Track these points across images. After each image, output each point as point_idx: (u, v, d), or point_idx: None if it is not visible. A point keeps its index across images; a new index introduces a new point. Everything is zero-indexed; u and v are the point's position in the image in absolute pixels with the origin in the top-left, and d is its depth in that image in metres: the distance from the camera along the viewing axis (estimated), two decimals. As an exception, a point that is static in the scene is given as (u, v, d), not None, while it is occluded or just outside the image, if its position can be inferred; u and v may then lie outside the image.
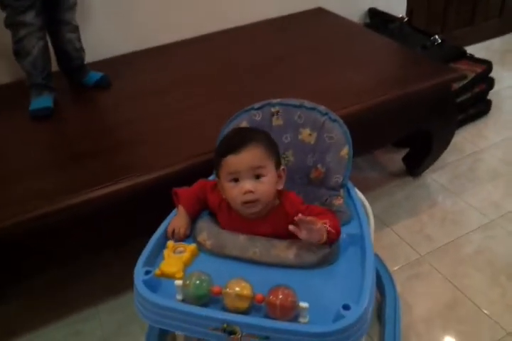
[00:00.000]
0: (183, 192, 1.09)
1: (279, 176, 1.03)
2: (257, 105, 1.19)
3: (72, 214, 1.19)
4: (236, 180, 0.97)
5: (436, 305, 1.41)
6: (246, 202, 0.97)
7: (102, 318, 1.45)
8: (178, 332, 1.01)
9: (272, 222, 1.01)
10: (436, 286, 1.47)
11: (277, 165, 1.02)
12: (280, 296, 0.82)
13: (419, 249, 1.60)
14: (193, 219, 1.07)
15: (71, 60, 1.69)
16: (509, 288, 1.45)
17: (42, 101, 1.57)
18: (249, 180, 0.96)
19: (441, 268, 1.53)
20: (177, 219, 1.04)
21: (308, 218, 0.90)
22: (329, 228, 0.92)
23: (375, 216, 1.20)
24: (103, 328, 1.42)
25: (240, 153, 0.96)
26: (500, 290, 1.44)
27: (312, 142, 1.17)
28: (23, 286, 1.47)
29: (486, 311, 1.38)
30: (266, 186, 0.98)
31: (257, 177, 0.97)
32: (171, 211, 1.09)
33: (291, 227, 0.91)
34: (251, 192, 0.96)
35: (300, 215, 0.90)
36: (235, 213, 1.03)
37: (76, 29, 1.65)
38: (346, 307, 0.82)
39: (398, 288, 1.41)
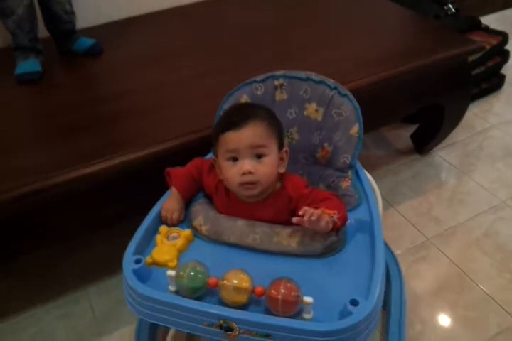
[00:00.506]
0: (176, 172, 1.00)
1: (282, 158, 0.94)
2: (259, 77, 1.09)
3: (62, 191, 1.12)
4: (235, 159, 0.89)
5: (442, 290, 1.36)
6: (244, 184, 0.89)
7: (93, 300, 1.39)
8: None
9: (273, 206, 0.94)
10: (443, 270, 1.41)
11: (280, 146, 0.94)
12: (282, 290, 0.75)
13: (426, 232, 1.53)
14: (188, 201, 0.99)
15: (61, 23, 1.58)
16: (519, 273, 1.39)
17: (29, 64, 1.48)
18: (249, 159, 0.88)
19: (449, 251, 1.46)
20: (169, 202, 0.96)
21: (315, 213, 0.80)
22: (336, 219, 0.83)
23: (379, 195, 1.12)
24: (94, 310, 1.36)
25: (241, 129, 0.88)
26: (509, 275, 1.38)
27: (319, 118, 1.08)
28: (11, 266, 1.40)
29: (494, 297, 1.32)
30: (267, 167, 0.89)
31: (258, 157, 0.89)
32: (166, 191, 1.01)
33: (294, 220, 0.82)
34: (250, 172, 0.87)
35: (305, 208, 0.81)
36: (234, 196, 0.95)
37: None
38: (354, 302, 0.76)
39: (403, 272, 1.35)
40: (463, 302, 1.32)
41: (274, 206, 0.94)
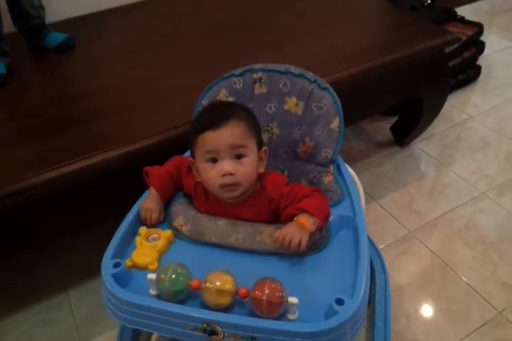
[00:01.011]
0: (154, 171, 0.97)
1: (261, 158, 0.92)
2: (237, 71, 1.06)
3: (35, 193, 1.07)
4: (214, 160, 0.86)
5: (426, 283, 1.36)
6: (225, 185, 0.86)
7: (73, 304, 1.35)
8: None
9: (253, 206, 0.91)
10: (426, 263, 1.42)
11: (259, 145, 0.92)
12: (267, 291, 0.73)
13: (408, 224, 1.53)
14: (167, 201, 0.96)
15: (29, 18, 1.51)
16: (501, 265, 1.40)
17: None
18: (229, 160, 0.85)
19: (431, 244, 1.47)
20: (148, 202, 0.93)
21: (286, 241, 0.81)
22: (315, 225, 0.82)
23: (361, 189, 1.11)
24: (74, 315, 1.32)
25: (220, 129, 0.85)
26: (491, 267, 1.39)
27: (299, 113, 1.06)
28: None
29: (476, 289, 1.33)
30: (247, 168, 0.87)
31: (238, 157, 0.86)
32: (145, 190, 0.98)
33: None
34: (231, 174, 0.84)
35: (276, 236, 0.82)
36: (213, 197, 0.92)
37: None
38: (340, 301, 0.74)
39: (387, 266, 1.35)
40: (446, 295, 1.33)
41: (255, 206, 0.92)
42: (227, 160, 0.85)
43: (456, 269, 1.39)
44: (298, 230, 0.81)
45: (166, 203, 0.95)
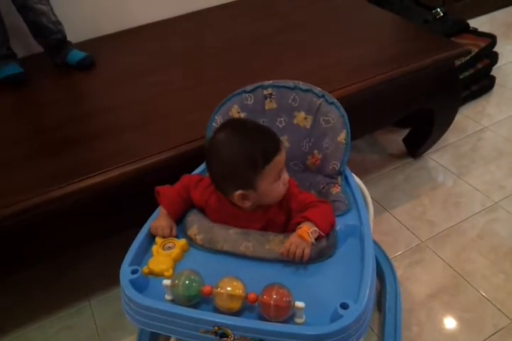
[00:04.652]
0: (165, 192, 1.00)
1: None
2: (248, 88, 1.12)
3: (58, 205, 1.13)
4: (279, 176, 0.93)
5: (438, 292, 1.38)
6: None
7: (95, 311, 1.41)
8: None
9: (267, 211, 0.96)
10: (438, 273, 1.43)
11: None
12: (274, 296, 0.77)
13: (420, 234, 1.55)
14: (177, 220, 0.99)
15: (50, 33, 1.61)
16: (513, 273, 1.40)
17: (11, 67, 1.56)
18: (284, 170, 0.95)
19: (443, 253, 1.48)
20: (158, 221, 0.96)
21: (290, 253, 0.87)
22: (320, 231, 0.89)
23: (374, 200, 1.15)
24: (96, 321, 1.38)
25: (283, 149, 0.93)
26: (503, 276, 1.40)
27: (308, 126, 1.11)
28: (12, 280, 1.42)
29: (489, 298, 1.34)
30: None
31: None
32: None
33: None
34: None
35: (283, 251, 0.87)
36: (228, 207, 0.96)
37: (46, 1, 1.57)
38: (344, 305, 0.78)
39: (399, 275, 1.38)
40: (459, 304, 1.34)
41: (268, 210, 0.96)
42: (285, 170, 0.95)
43: (468, 278, 1.40)
44: (300, 241, 0.86)
45: (176, 221, 0.98)
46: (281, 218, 0.96)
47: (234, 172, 0.89)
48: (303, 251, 0.86)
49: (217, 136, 0.92)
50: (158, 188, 1.01)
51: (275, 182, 0.91)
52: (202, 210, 1.01)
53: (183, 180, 1.04)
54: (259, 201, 0.94)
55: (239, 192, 0.90)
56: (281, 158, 0.91)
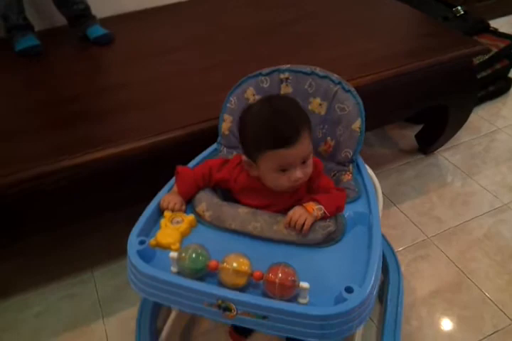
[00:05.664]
0: (183, 173, 1.00)
1: None
2: (265, 71, 1.12)
3: (68, 176, 1.14)
4: (284, 170, 0.90)
5: (440, 289, 1.37)
6: (292, 187, 0.93)
7: (98, 282, 1.43)
8: (172, 307, 0.98)
9: (297, 190, 0.97)
10: (442, 269, 1.43)
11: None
12: (280, 274, 0.77)
13: (427, 230, 1.54)
14: (187, 201, 0.99)
15: (73, 3, 1.63)
16: (517, 275, 1.40)
17: (28, 40, 1.57)
18: (299, 167, 0.90)
19: (448, 251, 1.48)
20: (169, 195, 0.97)
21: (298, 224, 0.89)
22: (325, 211, 0.90)
23: (382, 194, 1.13)
24: (99, 292, 1.40)
25: (294, 147, 0.87)
26: (508, 277, 1.39)
27: (322, 112, 1.10)
28: (19, 245, 1.42)
29: (491, 298, 1.34)
30: (310, 168, 0.94)
31: (303, 161, 0.91)
32: (170, 178, 1.03)
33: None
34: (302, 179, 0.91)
35: (290, 217, 0.89)
36: (257, 183, 0.96)
37: None
38: (349, 289, 0.78)
39: (402, 269, 1.37)
40: (460, 302, 1.34)
41: (297, 191, 0.97)
42: (298, 169, 0.90)
43: (472, 277, 1.39)
44: (304, 211, 0.88)
45: (186, 202, 0.99)
46: (308, 199, 0.95)
47: (246, 140, 0.93)
48: (304, 221, 0.87)
49: (257, 103, 0.97)
50: (178, 167, 1.01)
51: (275, 173, 0.90)
52: (221, 190, 1.02)
53: (204, 165, 1.03)
54: (263, 179, 0.94)
55: (247, 158, 0.94)
56: (286, 152, 0.87)
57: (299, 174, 0.90)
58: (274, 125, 0.88)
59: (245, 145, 0.94)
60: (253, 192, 0.98)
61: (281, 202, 0.96)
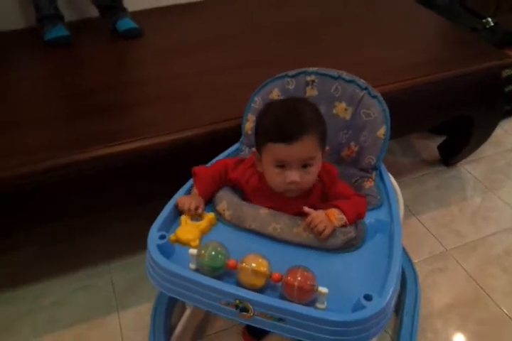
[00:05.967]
0: (200, 173, 1.00)
1: (322, 157, 0.95)
2: (291, 72, 1.11)
3: (86, 167, 1.14)
4: (282, 166, 0.90)
5: (457, 303, 1.34)
6: (288, 189, 0.92)
7: (114, 274, 1.43)
8: (188, 304, 0.97)
9: (307, 197, 0.96)
10: (460, 283, 1.40)
11: (323, 149, 0.94)
12: (299, 278, 0.76)
13: (446, 243, 1.52)
14: (207, 201, 0.99)
15: None
16: (537, 293, 1.36)
17: (58, 30, 1.58)
18: (297, 170, 0.89)
19: (467, 265, 1.45)
20: (188, 197, 0.96)
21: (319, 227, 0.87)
22: (346, 220, 0.90)
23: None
24: (115, 285, 1.40)
25: (293, 145, 0.86)
26: (527, 294, 1.36)
27: (347, 117, 1.09)
28: (37, 233, 1.45)
29: (509, 314, 1.30)
30: (312, 176, 0.91)
31: (304, 166, 0.90)
32: (190, 176, 1.03)
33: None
34: (296, 182, 0.89)
35: (312, 216, 0.88)
36: (269, 186, 0.95)
37: None
38: (368, 297, 0.76)
39: (420, 280, 1.35)
40: (477, 317, 1.31)
41: (308, 198, 0.96)
42: (294, 171, 0.88)
43: (490, 293, 1.36)
44: (326, 218, 0.87)
45: (206, 201, 0.98)
46: (322, 206, 0.94)
47: (256, 132, 0.95)
48: (324, 229, 0.86)
49: (278, 101, 1.04)
50: (195, 168, 1.01)
51: (273, 168, 0.90)
52: (240, 189, 1.01)
53: (220, 163, 1.03)
54: (265, 176, 0.94)
55: (256, 152, 0.95)
56: (285, 148, 0.86)
57: (294, 176, 0.88)
58: (282, 120, 0.88)
59: (255, 138, 0.95)
60: (263, 195, 0.97)
61: (290, 208, 0.94)
